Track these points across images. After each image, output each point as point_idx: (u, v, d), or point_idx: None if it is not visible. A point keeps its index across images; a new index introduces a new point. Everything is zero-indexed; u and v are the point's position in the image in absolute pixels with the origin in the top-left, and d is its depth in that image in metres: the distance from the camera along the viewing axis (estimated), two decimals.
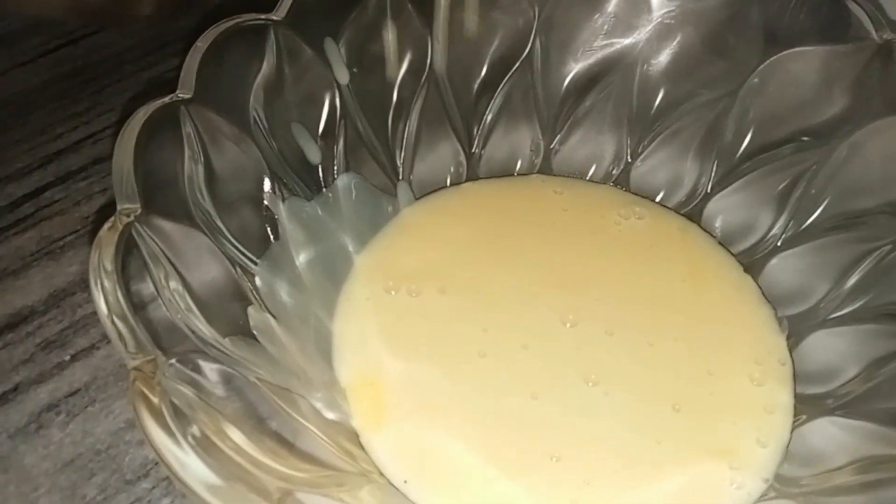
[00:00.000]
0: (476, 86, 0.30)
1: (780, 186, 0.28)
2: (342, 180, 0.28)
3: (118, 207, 0.19)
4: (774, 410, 0.24)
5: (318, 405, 0.22)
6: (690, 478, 0.23)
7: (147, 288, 0.18)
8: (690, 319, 0.27)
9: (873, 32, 0.25)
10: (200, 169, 0.22)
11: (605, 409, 0.24)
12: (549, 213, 0.31)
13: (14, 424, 0.26)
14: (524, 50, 0.30)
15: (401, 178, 0.30)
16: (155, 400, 0.15)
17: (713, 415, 0.24)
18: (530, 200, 0.31)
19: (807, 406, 0.24)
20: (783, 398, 0.25)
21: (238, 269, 0.22)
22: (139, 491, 0.24)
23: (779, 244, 0.28)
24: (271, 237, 0.25)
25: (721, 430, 0.24)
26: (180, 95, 0.22)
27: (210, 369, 0.19)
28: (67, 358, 0.28)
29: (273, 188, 0.25)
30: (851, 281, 0.25)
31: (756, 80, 0.28)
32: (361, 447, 0.22)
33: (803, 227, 0.27)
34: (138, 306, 0.17)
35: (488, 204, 0.31)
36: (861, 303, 0.25)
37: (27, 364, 0.27)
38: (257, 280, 0.23)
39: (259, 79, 0.25)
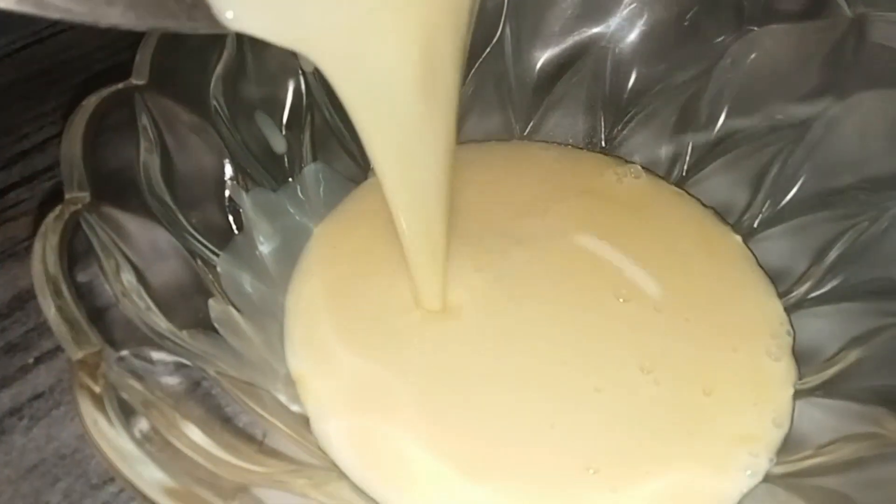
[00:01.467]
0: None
1: (756, 167, 0.27)
2: (310, 170, 0.27)
3: (66, 196, 0.18)
4: (789, 386, 0.23)
5: (282, 398, 0.21)
6: (713, 471, 0.22)
7: (100, 280, 0.18)
8: (713, 290, 0.26)
9: (845, 7, 0.24)
10: (157, 158, 0.21)
11: (655, 402, 0.22)
12: (541, 171, 0.29)
13: None
14: (495, 35, 0.30)
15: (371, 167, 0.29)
16: (97, 390, 0.14)
17: (739, 396, 0.23)
18: (515, 161, 0.29)
19: None
20: (795, 372, 0.24)
21: (199, 260, 0.22)
22: (105, 495, 0.24)
23: (756, 226, 0.27)
24: (234, 228, 0.24)
25: (745, 414, 0.23)
26: (134, 82, 0.21)
27: (167, 364, 0.18)
28: (31, 361, 0.27)
29: (236, 178, 0.24)
30: (830, 259, 0.25)
31: (729, 59, 0.27)
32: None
33: (779, 207, 0.27)
34: (87, 298, 0.17)
35: (470, 166, 0.27)
36: (839, 280, 0.24)
37: None
38: (219, 271, 0.22)
39: (220, 66, 0.24)
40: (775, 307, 0.25)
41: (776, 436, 0.22)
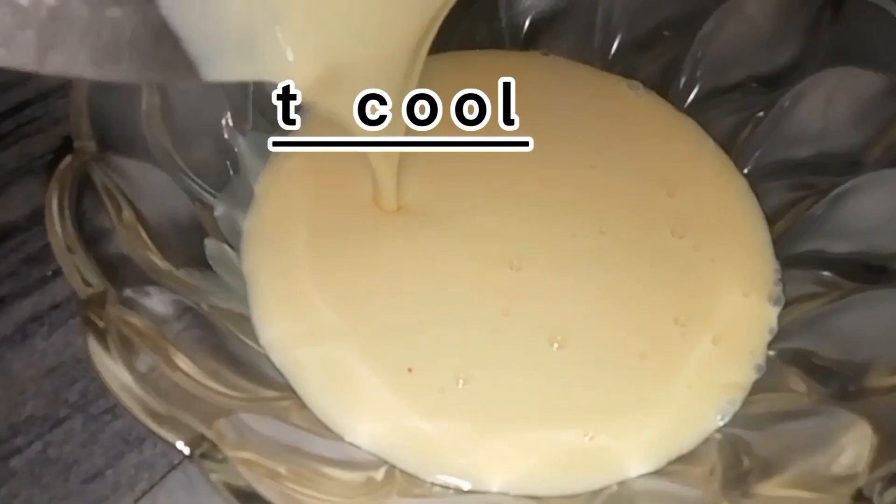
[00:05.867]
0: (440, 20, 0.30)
1: (727, 132, 0.28)
2: (309, 116, 0.27)
3: (74, 145, 0.19)
4: (773, 331, 0.23)
5: None
6: (695, 420, 0.21)
7: (102, 222, 0.19)
8: (729, 228, 0.25)
9: None
10: (157, 103, 0.22)
11: (684, 353, 0.22)
12: (544, 79, 0.27)
13: (1, 333, 0.27)
14: None
15: None
16: (101, 325, 0.16)
17: (740, 344, 0.22)
18: (516, 68, 0.26)
19: None
20: (776, 318, 0.23)
21: (197, 202, 0.23)
22: None
23: None
24: (231, 171, 0.25)
25: (739, 362, 0.22)
26: None
27: (164, 300, 0.20)
28: (49, 273, 0.28)
29: (234, 122, 0.25)
30: (778, 230, 0.26)
31: (713, 23, 0.28)
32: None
33: (743, 173, 0.28)
34: (92, 241, 0.18)
35: (470, 73, 0.26)
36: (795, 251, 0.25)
37: (12, 277, 0.28)
38: (216, 212, 0.24)
39: None
40: (770, 251, 0.25)
41: (750, 382, 0.22)
